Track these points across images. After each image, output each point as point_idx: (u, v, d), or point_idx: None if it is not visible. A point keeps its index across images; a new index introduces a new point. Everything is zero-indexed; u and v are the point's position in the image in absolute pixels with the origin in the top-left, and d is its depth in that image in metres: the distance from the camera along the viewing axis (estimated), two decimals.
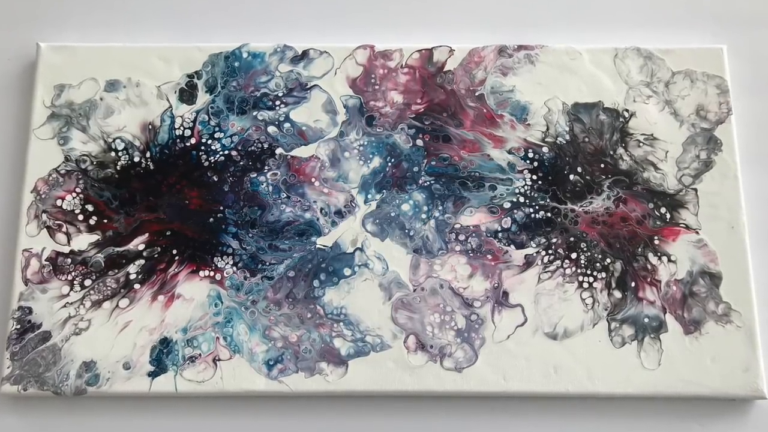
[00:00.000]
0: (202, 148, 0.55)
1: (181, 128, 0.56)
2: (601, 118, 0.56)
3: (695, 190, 0.54)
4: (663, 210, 0.54)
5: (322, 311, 0.52)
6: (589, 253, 0.53)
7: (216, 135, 0.55)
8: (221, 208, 0.54)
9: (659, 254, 0.53)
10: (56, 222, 0.54)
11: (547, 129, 0.56)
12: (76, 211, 0.54)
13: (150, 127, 0.56)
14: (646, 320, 0.52)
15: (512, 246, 0.53)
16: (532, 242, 0.53)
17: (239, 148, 0.55)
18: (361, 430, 0.51)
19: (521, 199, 0.54)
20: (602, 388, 0.50)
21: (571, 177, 0.55)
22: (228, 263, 0.53)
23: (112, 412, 0.51)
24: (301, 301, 0.52)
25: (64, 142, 0.55)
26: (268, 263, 0.53)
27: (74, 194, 0.54)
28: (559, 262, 0.53)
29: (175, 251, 0.53)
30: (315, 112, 0.56)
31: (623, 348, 0.51)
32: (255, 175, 0.55)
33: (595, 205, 0.54)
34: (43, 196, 0.54)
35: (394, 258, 0.53)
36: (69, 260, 0.53)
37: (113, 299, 0.52)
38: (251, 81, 0.56)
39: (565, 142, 0.55)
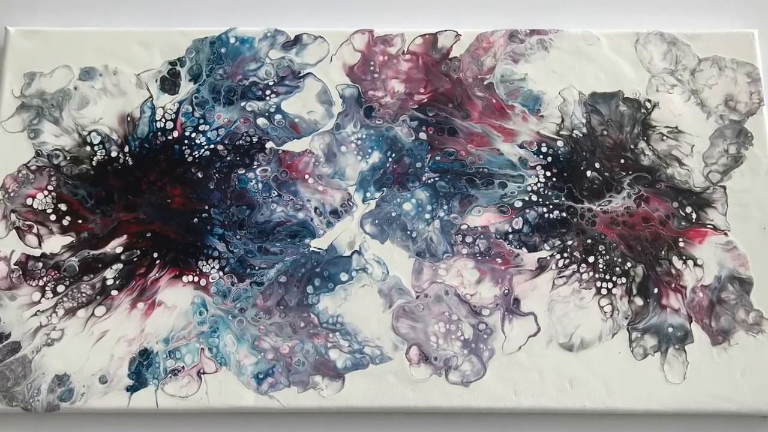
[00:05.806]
0: (186, 141, 0.55)
1: (163, 120, 0.55)
2: (621, 109, 0.55)
3: (723, 187, 0.54)
4: (688, 209, 0.53)
5: (317, 320, 0.51)
6: (607, 257, 0.52)
7: (201, 128, 0.55)
8: (206, 207, 0.53)
9: (684, 258, 0.52)
10: (26, 222, 0.53)
11: (562, 121, 0.55)
12: (48, 211, 0.53)
13: (129, 119, 0.55)
14: (670, 330, 0.51)
15: (524, 249, 0.53)
16: (545, 245, 0.53)
17: (226, 141, 0.55)
18: None
19: (534, 198, 0.54)
20: (622, 403, 0.50)
21: (589, 173, 0.54)
22: (214, 267, 0.52)
23: (87, 430, 0.51)
24: (293, 308, 0.51)
25: (34, 136, 0.55)
26: (257, 267, 0.52)
27: (46, 192, 0.53)
28: (575, 266, 0.52)
29: (156, 254, 0.53)
30: (309, 103, 0.55)
31: (645, 360, 0.51)
32: (243, 171, 0.54)
33: (615, 204, 0.53)
34: (12, 194, 0.53)
35: (395, 262, 0.52)
36: (40, 264, 0.52)
37: (88, 307, 0.51)
38: (239, 69, 0.56)
39: (581, 135, 0.55)
